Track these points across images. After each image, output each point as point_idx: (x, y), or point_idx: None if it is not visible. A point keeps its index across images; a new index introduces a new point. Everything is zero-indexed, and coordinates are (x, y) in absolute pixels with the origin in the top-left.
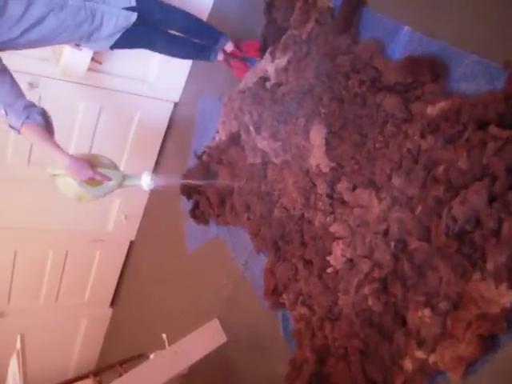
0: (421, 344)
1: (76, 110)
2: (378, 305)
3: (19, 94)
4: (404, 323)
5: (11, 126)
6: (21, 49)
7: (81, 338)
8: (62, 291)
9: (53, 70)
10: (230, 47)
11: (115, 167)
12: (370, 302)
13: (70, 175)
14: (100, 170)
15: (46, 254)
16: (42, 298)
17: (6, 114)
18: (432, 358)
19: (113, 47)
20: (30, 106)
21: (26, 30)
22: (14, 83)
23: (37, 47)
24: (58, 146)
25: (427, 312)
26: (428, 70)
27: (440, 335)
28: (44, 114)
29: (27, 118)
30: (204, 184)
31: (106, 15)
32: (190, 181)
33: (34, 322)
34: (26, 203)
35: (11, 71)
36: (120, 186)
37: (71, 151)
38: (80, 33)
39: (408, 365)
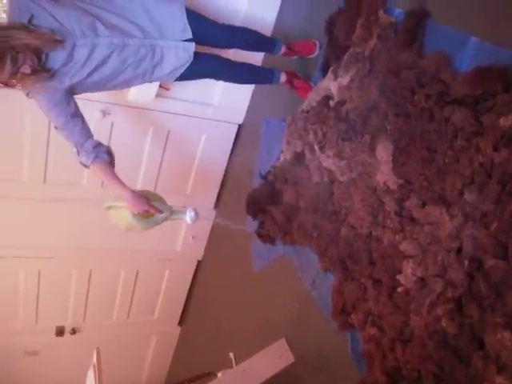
0: (502, 369)
1: (146, 135)
2: (453, 326)
3: (89, 134)
4: (482, 346)
5: (81, 163)
6: (87, 92)
7: (151, 355)
8: (133, 309)
9: (124, 98)
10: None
11: (165, 202)
12: (443, 323)
13: (126, 207)
14: (154, 203)
15: (118, 273)
16: (114, 315)
17: (78, 153)
18: None
19: (177, 80)
20: (98, 145)
21: (91, 72)
22: (84, 125)
23: (103, 90)
24: (121, 182)
25: (507, 335)
26: (499, 80)
27: None
28: (109, 153)
29: (96, 157)
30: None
31: (165, 49)
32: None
33: (106, 338)
34: (99, 224)
35: (85, 101)
36: (166, 219)
37: (141, 175)
38: (142, 68)
39: None
